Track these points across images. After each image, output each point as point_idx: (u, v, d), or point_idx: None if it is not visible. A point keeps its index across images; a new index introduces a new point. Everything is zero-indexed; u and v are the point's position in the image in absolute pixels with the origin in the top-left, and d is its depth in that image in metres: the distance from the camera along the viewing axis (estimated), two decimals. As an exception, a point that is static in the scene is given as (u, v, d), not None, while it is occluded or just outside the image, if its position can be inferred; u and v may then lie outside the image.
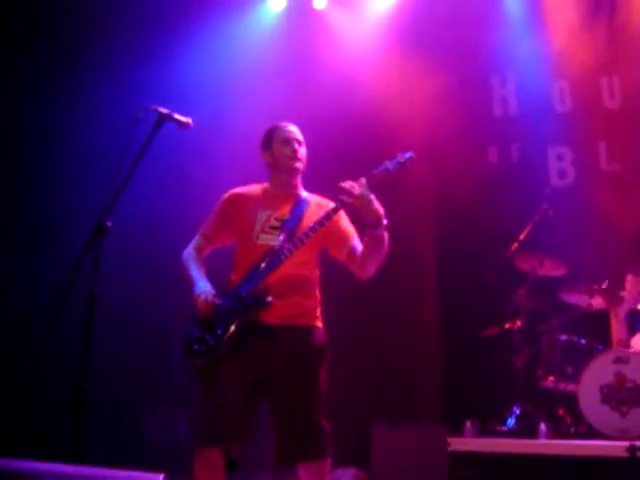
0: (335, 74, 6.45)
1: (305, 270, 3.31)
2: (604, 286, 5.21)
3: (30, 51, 6.17)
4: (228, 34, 6.42)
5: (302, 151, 3.43)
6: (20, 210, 6.00)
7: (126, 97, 5.61)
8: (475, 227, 6.16)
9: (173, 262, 3.51)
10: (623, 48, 6.08)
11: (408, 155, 3.15)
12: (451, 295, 6.22)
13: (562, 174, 6.30)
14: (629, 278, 5.34)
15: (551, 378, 5.16)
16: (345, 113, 6.37)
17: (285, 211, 3.36)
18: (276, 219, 3.33)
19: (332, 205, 3.26)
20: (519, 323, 5.41)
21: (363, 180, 3.08)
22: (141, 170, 3.09)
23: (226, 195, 3.50)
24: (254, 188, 3.50)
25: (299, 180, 3.48)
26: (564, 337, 5.20)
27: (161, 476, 2.35)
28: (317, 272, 3.39)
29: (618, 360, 4.76)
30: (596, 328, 5.39)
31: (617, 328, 5.33)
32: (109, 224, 3.02)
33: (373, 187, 3.07)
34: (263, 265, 3.20)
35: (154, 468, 2.49)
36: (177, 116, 3.25)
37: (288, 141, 3.41)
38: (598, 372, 4.77)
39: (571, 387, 5.00)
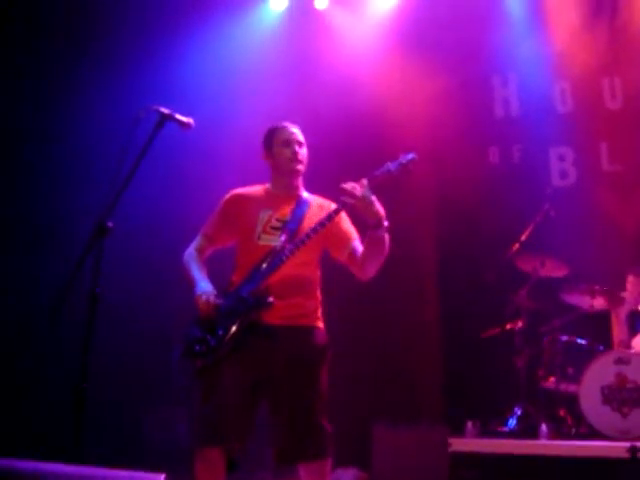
0: (336, 75, 6.45)
1: (306, 271, 3.30)
2: (605, 287, 5.21)
3: (30, 51, 6.16)
4: (229, 34, 6.41)
5: (303, 152, 3.42)
6: (20, 210, 6.00)
7: (126, 97, 5.60)
8: (476, 228, 6.17)
9: (174, 262, 3.50)
10: (624, 49, 6.09)
11: (410, 156, 3.14)
12: (452, 296, 6.22)
13: (563, 175, 6.30)
14: (630, 279, 5.35)
15: (552, 379, 5.16)
16: (346, 114, 6.37)
17: (286, 212, 3.35)
18: (277, 220, 3.33)
19: (333, 206, 3.26)
20: (520, 324, 5.41)
21: (365, 181, 3.07)
22: (142, 170, 3.08)
23: (227, 195, 3.49)
24: (256, 189, 3.49)
25: (300, 181, 3.47)
26: (565, 338, 5.20)
27: (162, 476, 2.34)
28: (318, 273, 3.39)
29: (619, 361, 4.76)
30: (597, 329, 5.39)
31: (618, 329, 5.33)
32: (110, 224, 3.01)
33: (374, 188, 3.06)
34: (264, 266, 3.20)
35: (154, 468, 2.49)
36: (178, 116, 3.24)
37: (289, 142, 3.40)
38: (599, 373, 4.77)
39: (572, 388, 5.00)
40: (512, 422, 5.05)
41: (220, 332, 3.11)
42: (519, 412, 5.10)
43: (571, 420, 5.00)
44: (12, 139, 6.03)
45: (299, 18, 6.75)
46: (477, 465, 4.53)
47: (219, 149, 6.17)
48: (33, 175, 6.12)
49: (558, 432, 4.88)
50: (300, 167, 3.41)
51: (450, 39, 6.28)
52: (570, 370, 5.11)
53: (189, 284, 3.30)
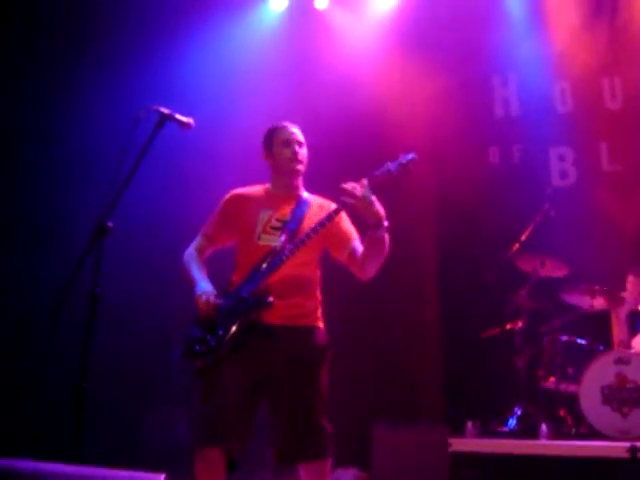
0: (336, 75, 6.45)
1: (306, 271, 3.30)
2: (605, 287, 5.21)
3: (30, 51, 6.16)
4: (229, 34, 6.42)
5: (303, 152, 3.42)
6: (20, 210, 6.00)
7: (126, 97, 5.60)
8: (476, 228, 6.17)
9: (174, 262, 3.50)
10: (624, 49, 6.09)
11: (410, 156, 3.13)
12: (452, 296, 6.22)
13: (563, 175, 6.30)
14: (630, 279, 5.35)
15: (552, 379, 5.16)
16: (346, 114, 6.37)
17: (286, 212, 3.35)
18: (277, 220, 3.33)
19: (333, 206, 3.26)
20: (520, 324, 5.41)
21: (365, 181, 3.06)
22: (142, 170, 3.08)
23: (227, 195, 3.49)
24: (256, 189, 3.49)
25: (300, 181, 3.47)
26: (565, 338, 5.20)
27: (162, 476, 2.34)
28: (318, 273, 3.39)
29: (619, 361, 4.76)
30: (597, 329, 5.39)
31: (618, 329, 5.33)
32: (110, 224, 3.01)
33: (374, 188, 3.06)
34: (264, 266, 3.20)
35: (154, 468, 2.49)
36: (178, 116, 3.24)
37: (289, 142, 3.40)
38: (599, 373, 4.77)
39: (572, 388, 5.00)
40: (512, 422, 5.05)
41: (220, 332, 3.11)
42: (519, 412, 5.10)
43: (571, 420, 5.00)
44: (12, 139, 6.03)
45: (299, 18, 6.75)
46: (477, 465, 4.53)
47: (219, 149, 6.17)
48: (33, 175, 6.12)
49: (558, 432, 4.88)
50: (300, 167, 3.41)
51: (450, 39, 6.29)
52: (570, 370, 5.11)
53: (189, 284, 3.30)
